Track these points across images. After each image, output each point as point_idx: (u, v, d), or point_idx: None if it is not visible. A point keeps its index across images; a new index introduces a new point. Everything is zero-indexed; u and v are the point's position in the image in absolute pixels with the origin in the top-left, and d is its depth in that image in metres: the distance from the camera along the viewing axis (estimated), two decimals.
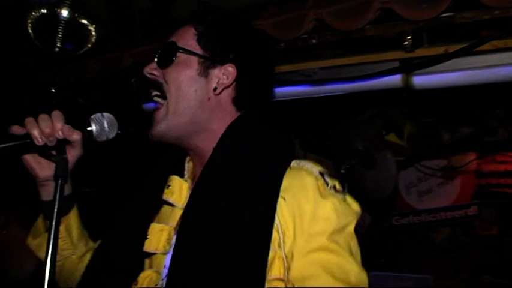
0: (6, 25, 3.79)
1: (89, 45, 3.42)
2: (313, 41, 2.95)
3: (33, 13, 3.28)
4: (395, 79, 2.92)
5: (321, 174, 1.61)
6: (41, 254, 1.75)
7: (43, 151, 1.62)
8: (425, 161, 5.13)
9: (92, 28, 3.35)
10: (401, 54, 2.81)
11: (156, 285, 1.71)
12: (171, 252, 1.70)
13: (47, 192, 1.73)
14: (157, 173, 1.91)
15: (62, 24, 3.28)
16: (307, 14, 2.86)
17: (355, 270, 1.51)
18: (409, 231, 5.41)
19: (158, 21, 3.55)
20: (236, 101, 1.79)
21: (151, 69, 1.77)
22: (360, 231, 1.67)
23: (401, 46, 2.74)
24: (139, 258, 1.79)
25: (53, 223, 1.53)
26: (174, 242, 1.68)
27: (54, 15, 3.25)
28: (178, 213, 1.78)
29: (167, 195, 1.81)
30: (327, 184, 1.58)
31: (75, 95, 4.00)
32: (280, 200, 1.55)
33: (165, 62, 1.74)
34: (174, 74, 1.73)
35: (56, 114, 1.62)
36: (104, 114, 1.70)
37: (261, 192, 1.59)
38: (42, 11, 3.26)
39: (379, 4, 2.65)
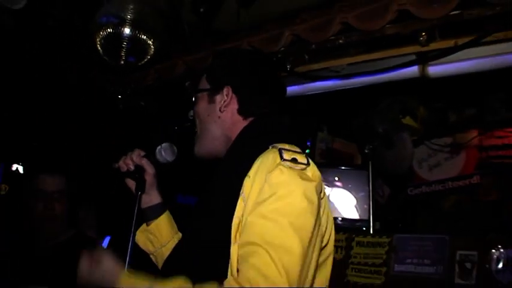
0: (76, 45, 3.83)
1: (148, 57, 3.44)
2: (340, 41, 2.96)
3: (101, 33, 3.31)
4: (413, 70, 2.92)
5: (280, 150, 1.56)
6: (141, 244, 2.10)
7: (128, 174, 1.98)
8: (435, 139, 5.08)
9: (150, 42, 3.36)
10: (417, 48, 2.81)
11: None
12: None
13: (144, 202, 2.03)
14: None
15: (125, 41, 3.31)
16: (335, 18, 2.87)
17: (273, 234, 1.40)
18: (421, 199, 5.35)
19: (203, 32, 3.55)
20: (240, 112, 1.86)
21: (191, 113, 1.98)
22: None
23: (417, 41, 2.75)
24: None
25: (133, 222, 1.88)
26: None
27: (119, 34, 3.27)
28: None
29: None
30: (282, 157, 1.53)
31: (138, 100, 4.04)
32: (246, 178, 1.56)
33: (191, 103, 1.96)
34: (195, 109, 1.92)
35: (136, 150, 2.01)
36: (163, 144, 2.01)
37: (234, 175, 1.62)
38: (109, 30, 3.28)
39: (397, 6, 2.66)
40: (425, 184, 5.25)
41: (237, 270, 1.45)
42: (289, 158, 1.54)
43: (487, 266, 2.78)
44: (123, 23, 3.25)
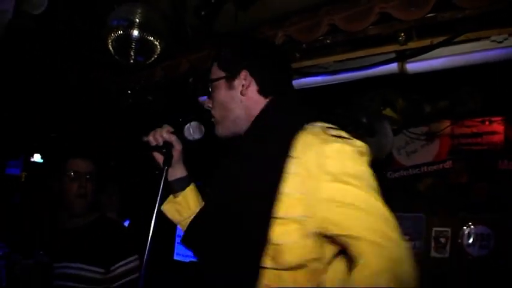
0: (88, 46, 3.84)
1: (155, 56, 3.45)
2: (328, 41, 2.96)
3: (112, 34, 3.31)
4: (393, 67, 2.92)
5: (325, 127, 1.56)
6: (169, 215, 2.04)
7: (157, 148, 1.91)
8: (412, 128, 5.12)
9: (157, 43, 3.36)
10: (397, 47, 2.82)
11: None
12: None
13: (170, 175, 1.96)
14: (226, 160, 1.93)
15: (134, 42, 3.31)
16: (322, 21, 2.87)
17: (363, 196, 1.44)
18: (400, 182, 5.39)
19: (204, 34, 3.56)
20: (261, 92, 1.79)
21: (207, 102, 1.91)
22: None
23: (397, 41, 2.75)
24: None
25: (159, 193, 1.81)
26: None
27: (128, 35, 3.28)
28: None
29: None
30: (330, 134, 1.51)
31: (146, 95, 4.04)
32: (290, 159, 1.51)
33: (208, 92, 1.89)
34: (215, 98, 1.85)
35: (165, 126, 1.92)
36: (192, 122, 1.94)
37: (273, 155, 1.57)
38: (119, 32, 3.28)
39: (378, 9, 2.66)
40: (403, 169, 5.30)
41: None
42: (337, 134, 1.52)
43: (459, 241, 2.84)
44: (132, 25, 3.25)
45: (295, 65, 3.21)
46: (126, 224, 4.21)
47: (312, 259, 1.51)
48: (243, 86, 1.79)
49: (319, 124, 1.60)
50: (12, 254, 3.04)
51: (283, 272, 1.52)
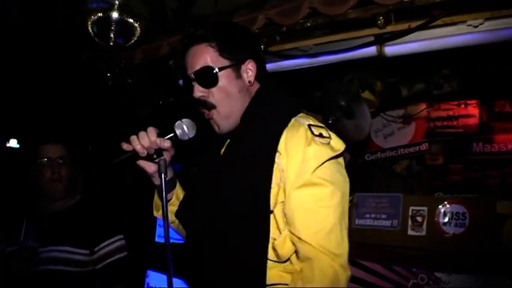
0: (69, 28, 3.80)
1: (135, 38, 3.43)
2: (308, 24, 2.96)
3: (92, 17, 3.30)
4: (371, 50, 2.94)
5: (309, 126, 1.62)
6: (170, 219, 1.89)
7: (147, 157, 1.69)
8: (389, 111, 5.19)
9: (136, 25, 3.36)
10: (375, 30, 2.83)
11: None
12: None
13: (156, 180, 1.79)
14: (216, 141, 1.92)
15: (114, 24, 3.30)
16: (303, 4, 2.88)
17: (328, 192, 1.55)
18: (377, 164, 5.50)
19: (184, 16, 3.55)
20: (258, 79, 1.81)
21: (200, 92, 1.75)
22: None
23: (375, 24, 2.77)
24: None
25: (164, 202, 1.61)
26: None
27: (108, 18, 3.27)
28: None
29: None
30: (313, 133, 1.59)
31: (125, 78, 4.02)
32: (277, 154, 1.60)
33: (209, 84, 1.73)
34: (221, 88, 1.74)
35: (151, 130, 1.67)
36: (183, 120, 1.72)
37: (265, 148, 1.63)
38: (99, 14, 3.27)
39: None
40: (380, 151, 5.40)
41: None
42: (318, 133, 1.60)
43: (435, 219, 2.91)
44: (111, 7, 3.25)
45: (275, 48, 3.22)
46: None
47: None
48: (250, 75, 1.78)
49: (304, 121, 1.66)
50: None
51: (282, 265, 1.63)
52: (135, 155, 1.66)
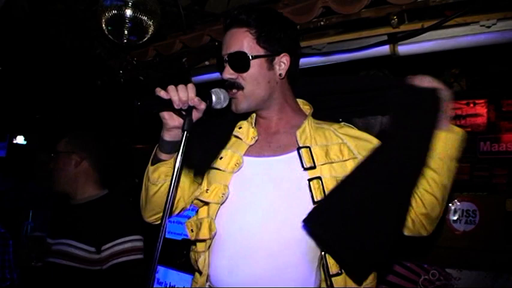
0: (83, 25, 3.85)
1: (148, 36, 3.48)
2: (321, 23, 2.98)
3: (105, 14, 3.35)
4: (385, 49, 2.96)
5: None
6: (157, 186, 1.85)
7: (177, 110, 1.68)
8: None
9: (150, 23, 3.40)
10: (389, 29, 2.86)
11: (222, 194, 1.77)
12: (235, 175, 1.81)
13: (169, 136, 1.77)
14: (227, 120, 1.95)
15: (128, 21, 3.35)
16: (316, 3, 2.90)
17: None
18: None
19: (196, 14, 3.59)
20: (289, 78, 1.86)
21: (230, 74, 1.80)
22: None
23: (389, 24, 2.79)
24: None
25: (179, 156, 1.61)
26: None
27: (122, 15, 3.32)
28: (244, 146, 1.87)
29: (237, 132, 1.91)
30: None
31: (138, 75, 4.06)
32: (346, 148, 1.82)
33: (241, 68, 1.78)
34: (251, 75, 1.78)
35: (191, 86, 1.67)
36: (221, 89, 1.75)
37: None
38: (113, 11, 3.32)
39: None
40: None
41: None
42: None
43: (446, 216, 2.96)
44: (125, 5, 3.30)
45: None
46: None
47: None
48: (282, 68, 1.81)
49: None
50: (7, 234, 3.10)
51: None
52: (166, 103, 1.64)
